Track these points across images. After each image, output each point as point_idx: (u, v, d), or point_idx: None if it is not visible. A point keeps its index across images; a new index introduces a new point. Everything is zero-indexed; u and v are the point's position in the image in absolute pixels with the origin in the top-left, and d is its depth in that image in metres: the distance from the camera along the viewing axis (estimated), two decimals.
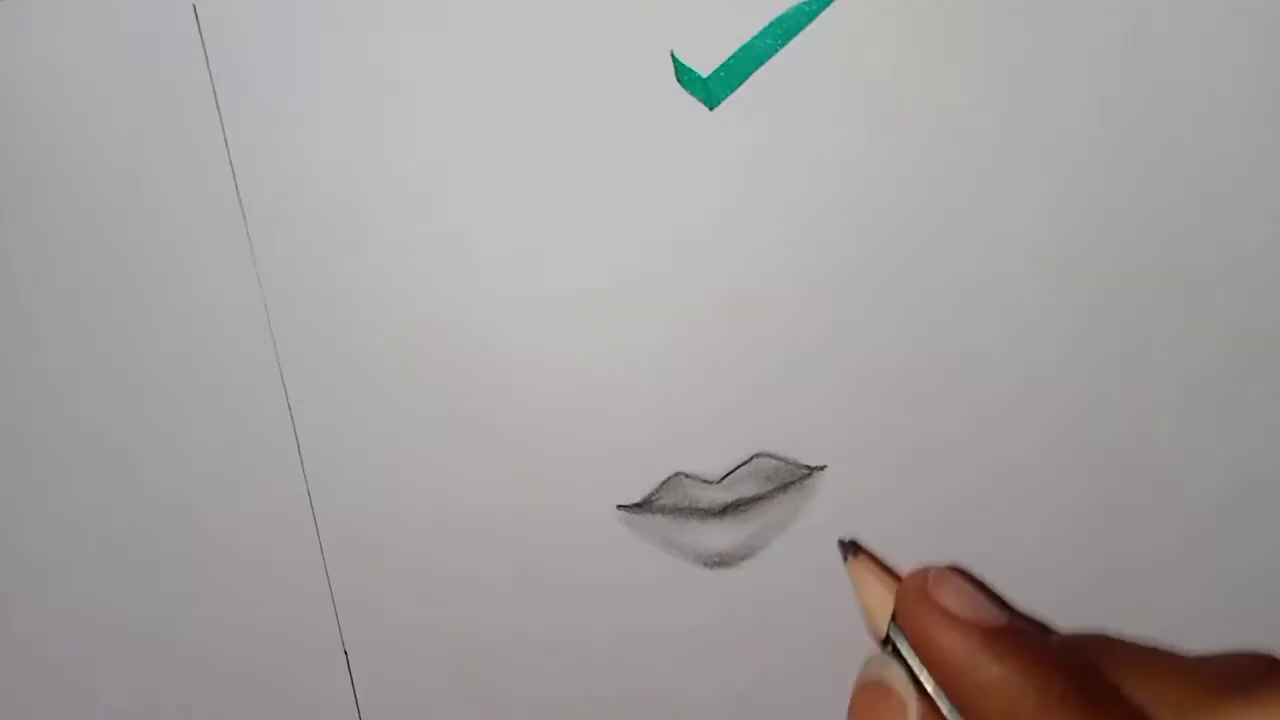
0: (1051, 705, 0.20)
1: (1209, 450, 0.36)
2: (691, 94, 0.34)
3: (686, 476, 0.36)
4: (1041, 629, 0.23)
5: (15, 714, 0.40)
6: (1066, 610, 0.34)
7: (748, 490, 0.36)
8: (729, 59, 0.33)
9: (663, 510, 0.37)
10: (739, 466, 0.36)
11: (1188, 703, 0.21)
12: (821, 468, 0.35)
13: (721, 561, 0.37)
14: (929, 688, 0.21)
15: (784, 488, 0.36)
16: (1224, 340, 0.35)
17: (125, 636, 0.39)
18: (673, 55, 0.33)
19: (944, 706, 0.21)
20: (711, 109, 0.34)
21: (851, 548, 0.26)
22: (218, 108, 0.35)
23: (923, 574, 0.23)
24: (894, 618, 0.23)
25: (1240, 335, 0.35)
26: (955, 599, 0.22)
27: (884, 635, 0.23)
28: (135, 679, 0.39)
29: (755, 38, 0.33)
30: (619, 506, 0.37)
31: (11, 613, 0.39)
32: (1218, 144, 0.34)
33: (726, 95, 0.34)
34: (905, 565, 0.31)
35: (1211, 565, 0.36)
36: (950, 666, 0.21)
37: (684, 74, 0.34)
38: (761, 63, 0.33)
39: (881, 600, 0.24)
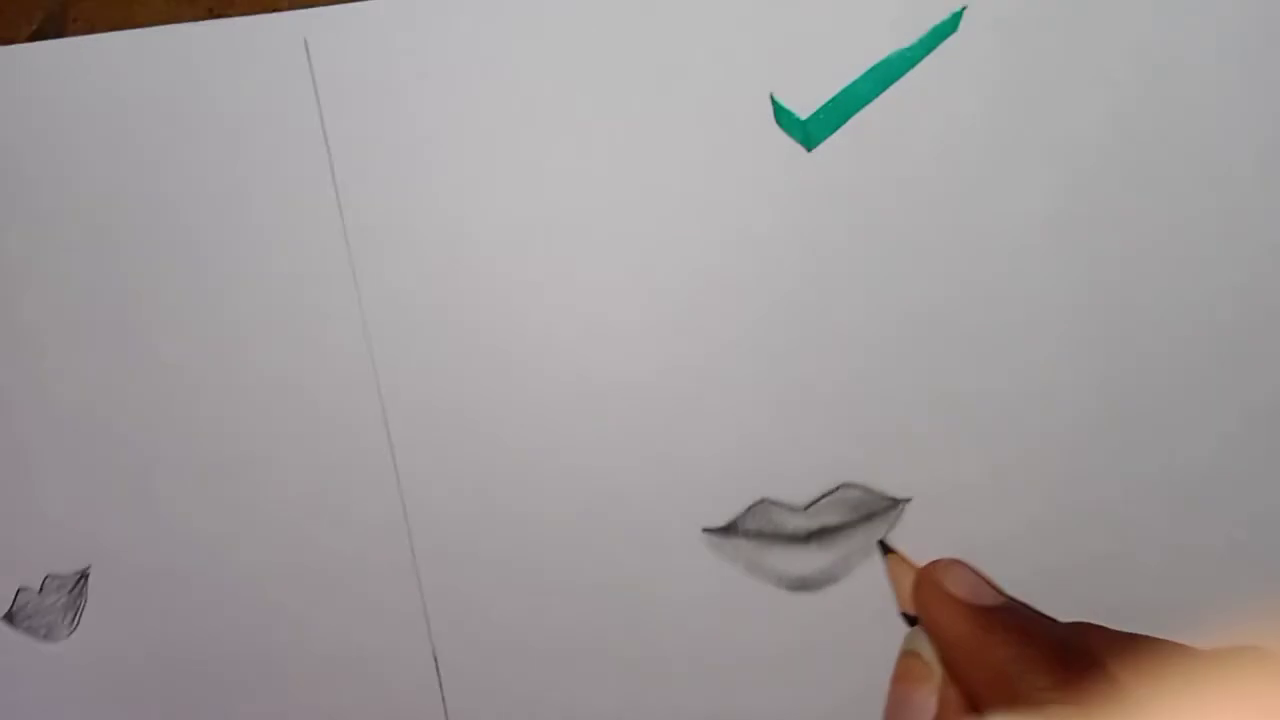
0: (1031, 673, 0.22)
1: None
2: (790, 135, 0.35)
3: (772, 503, 0.37)
4: (1036, 614, 0.25)
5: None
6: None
7: (832, 519, 0.37)
8: (827, 103, 0.34)
9: (747, 535, 0.38)
10: (825, 496, 0.37)
11: (1179, 690, 0.22)
12: (907, 500, 0.36)
13: (804, 586, 0.38)
14: (925, 654, 0.25)
15: (869, 517, 0.37)
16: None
17: (238, 638, 0.40)
18: (772, 97, 0.34)
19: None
20: (809, 150, 0.35)
21: (885, 547, 0.29)
22: (325, 137, 0.36)
23: (934, 564, 0.27)
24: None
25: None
26: (955, 583, 0.26)
27: (910, 615, 0.27)
28: (238, 676, 0.41)
29: (854, 83, 0.34)
30: (705, 529, 0.38)
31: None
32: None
33: (825, 137, 0.34)
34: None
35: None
36: (948, 638, 0.25)
37: (783, 116, 0.34)
38: (860, 107, 0.34)
39: (909, 586, 0.28)
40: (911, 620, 0.27)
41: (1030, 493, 0.37)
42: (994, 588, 0.26)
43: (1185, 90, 0.34)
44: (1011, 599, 0.26)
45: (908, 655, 0.27)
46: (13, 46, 0.37)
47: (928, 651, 0.26)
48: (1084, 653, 0.24)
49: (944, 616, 0.25)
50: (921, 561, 0.31)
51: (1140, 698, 0.22)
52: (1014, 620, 0.25)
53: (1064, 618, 0.29)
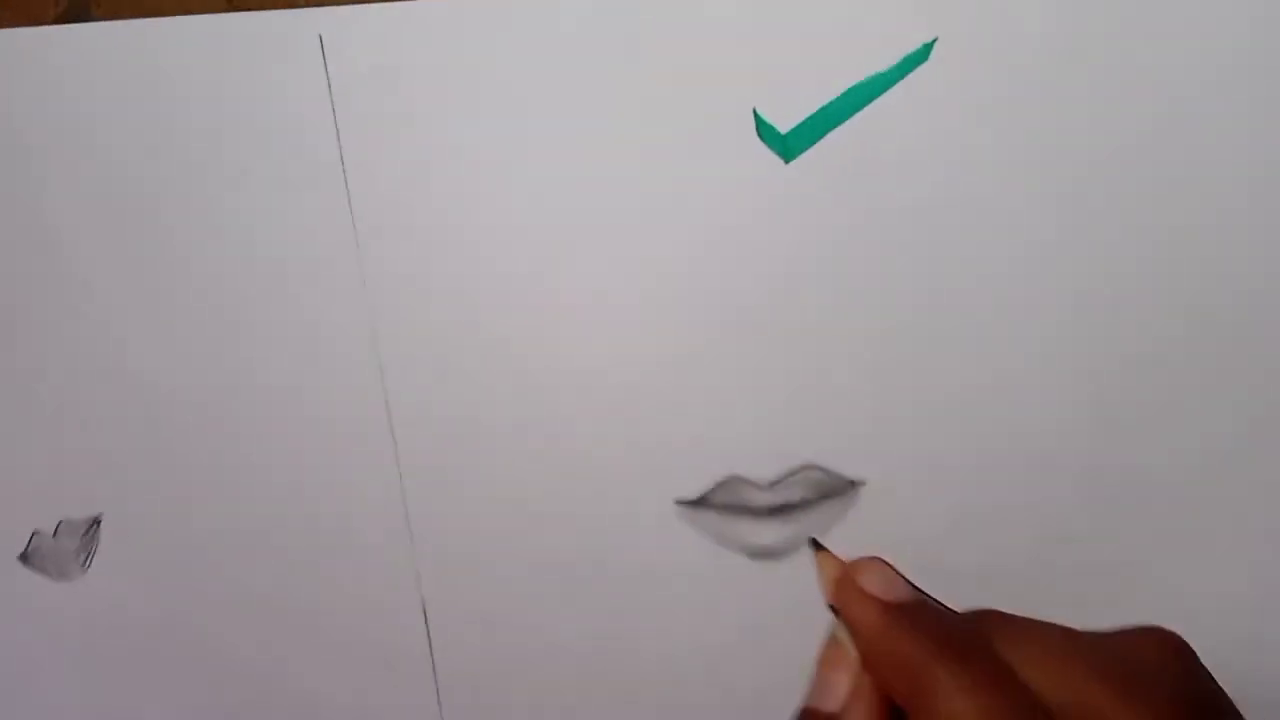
0: (934, 665, 0.25)
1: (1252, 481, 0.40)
2: (770, 148, 0.37)
3: (740, 479, 0.41)
4: (942, 608, 0.28)
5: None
6: None
7: (795, 496, 0.41)
8: (807, 119, 0.37)
9: (717, 507, 0.41)
10: (789, 475, 0.41)
11: (1069, 678, 0.25)
12: (863, 482, 0.40)
13: (767, 555, 0.41)
14: (844, 642, 0.28)
15: (828, 496, 0.40)
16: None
17: (238, 594, 0.44)
18: (755, 112, 0.37)
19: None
20: (788, 162, 0.37)
21: (815, 543, 0.32)
22: (336, 131, 0.38)
23: (854, 561, 0.29)
24: None
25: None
26: (869, 579, 0.28)
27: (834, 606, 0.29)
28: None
29: (832, 102, 0.37)
30: (677, 501, 0.41)
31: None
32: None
33: (802, 150, 0.37)
34: (923, 572, 0.36)
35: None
36: (860, 630, 0.27)
37: (764, 129, 0.37)
38: (836, 124, 0.37)
39: (833, 580, 0.30)
40: (836, 611, 0.30)
41: (978, 484, 0.40)
42: (908, 584, 0.29)
43: (1151, 111, 0.37)
44: (922, 595, 0.28)
45: (830, 642, 0.30)
46: (38, 28, 0.39)
47: (847, 640, 0.29)
48: (983, 642, 0.26)
49: (857, 610, 0.27)
50: (851, 555, 0.34)
51: (1035, 680, 0.25)
52: (920, 615, 0.27)
53: (1001, 604, 0.32)
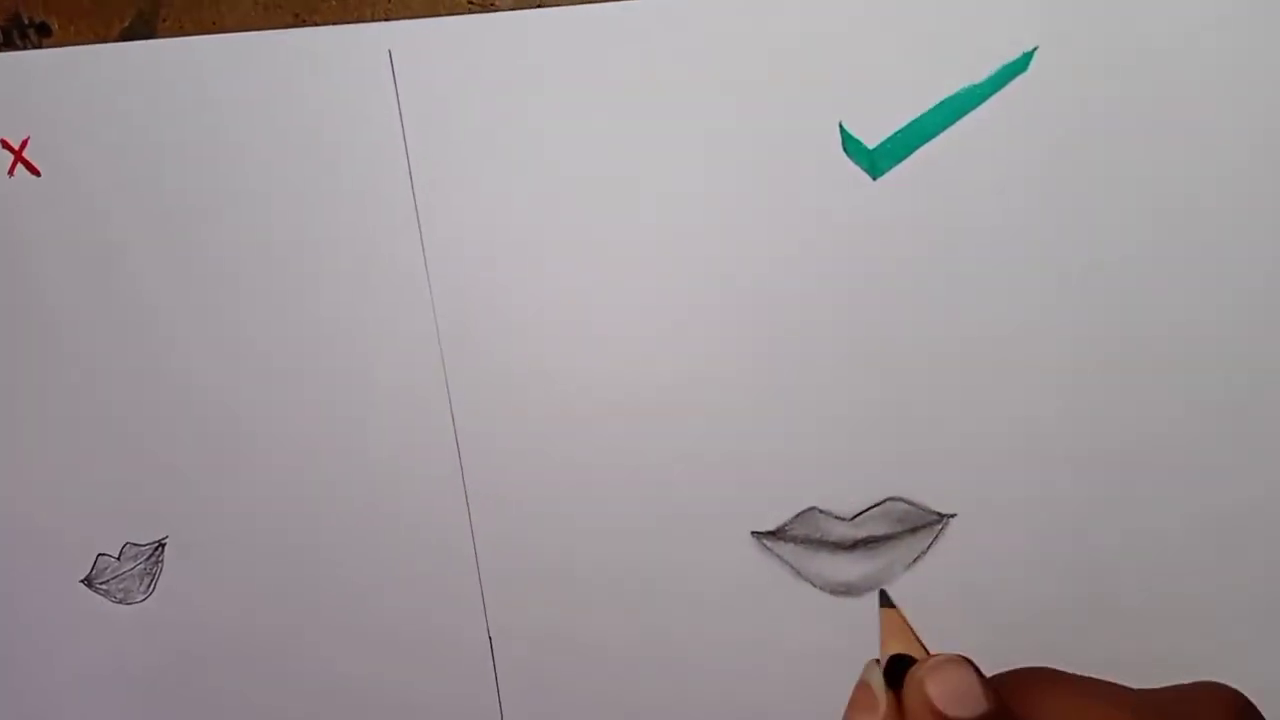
0: None
1: None
2: (856, 163, 0.35)
3: (820, 511, 0.39)
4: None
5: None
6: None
7: (878, 529, 0.39)
8: (895, 133, 0.35)
9: (794, 540, 0.39)
10: (871, 507, 0.39)
11: None
12: (952, 515, 0.38)
13: (847, 591, 0.39)
14: (875, 685, 0.26)
15: (914, 530, 0.38)
16: None
17: (305, 614, 0.43)
18: (841, 126, 0.35)
19: None
20: (875, 179, 0.36)
21: (884, 597, 0.31)
22: (405, 146, 0.37)
23: (930, 663, 0.26)
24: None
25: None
26: (941, 690, 0.25)
27: (883, 664, 0.27)
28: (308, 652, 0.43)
29: (922, 116, 0.35)
30: (753, 532, 0.40)
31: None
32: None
33: (890, 167, 0.35)
34: (1018, 607, 0.34)
35: None
36: None
37: (851, 144, 0.35)
38: (926, 140, 0.35)
39: (891, 635, 0.28)
40: (886, 670, 0.28)
41: (1068, 517, 0.38)
42: (985, 692, 0.26)
43: (1258, 140, 0.34)
44: (999, 705, 0.26)
45: (861, 686, 0.28)
46: (103, 45, 0.38)
47: (878, 682, 0.27)
48: None
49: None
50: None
51: None
52: None
53: (1091, 637, 0.30)
